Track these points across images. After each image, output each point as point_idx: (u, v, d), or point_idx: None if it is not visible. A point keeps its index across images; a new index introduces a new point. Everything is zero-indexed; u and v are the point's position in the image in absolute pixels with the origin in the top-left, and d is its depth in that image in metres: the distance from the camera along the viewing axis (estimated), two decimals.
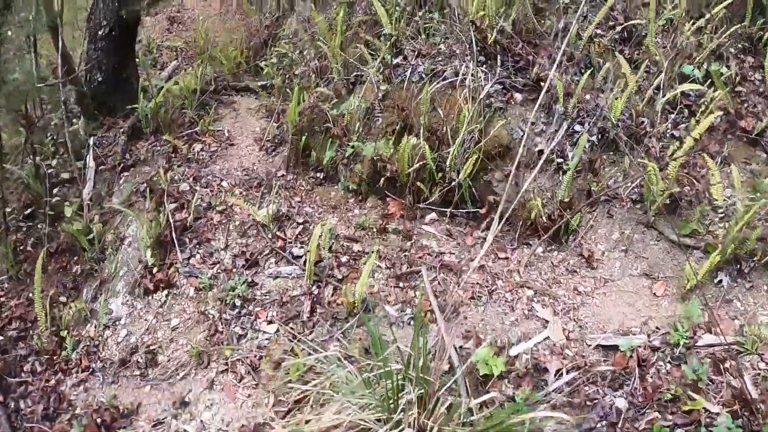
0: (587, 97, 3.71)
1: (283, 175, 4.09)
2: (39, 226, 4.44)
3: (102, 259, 4.11)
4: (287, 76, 4.66)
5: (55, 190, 4.61)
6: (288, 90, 4.54)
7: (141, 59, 6.01)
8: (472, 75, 3.69)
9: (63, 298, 4.18)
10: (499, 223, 3.74)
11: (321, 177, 4.06)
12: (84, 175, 4.62)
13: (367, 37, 4.36)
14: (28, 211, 4.49)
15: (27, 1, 4.31)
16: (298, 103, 4.12)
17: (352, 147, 3.85)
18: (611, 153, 3.66)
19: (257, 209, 3.73)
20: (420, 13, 4.15)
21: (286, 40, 4.96)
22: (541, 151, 3.55)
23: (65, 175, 4.70)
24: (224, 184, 4.06)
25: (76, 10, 5.36)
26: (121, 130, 4.74)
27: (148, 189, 3.97)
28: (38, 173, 4.56)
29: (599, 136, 3.63)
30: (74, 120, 5.08)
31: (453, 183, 3.63)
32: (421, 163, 3.61)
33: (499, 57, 3.80)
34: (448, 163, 3.60)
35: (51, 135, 4.92)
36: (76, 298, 4.14)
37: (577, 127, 3.62)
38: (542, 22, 4.10)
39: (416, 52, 4.03)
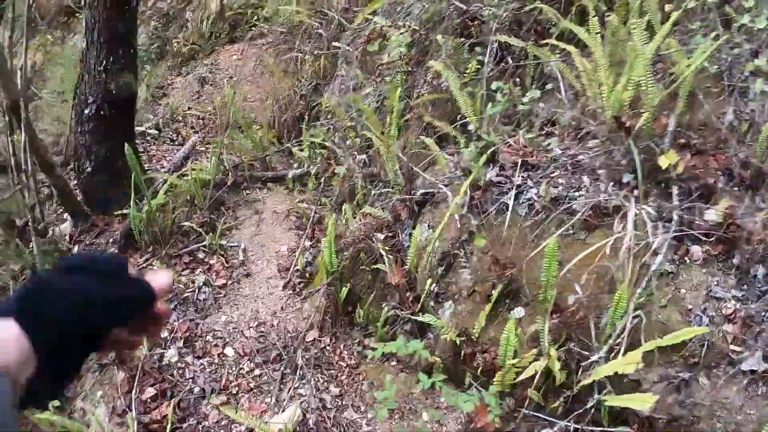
0: None
1: (314, 340, 2.50)
2: None
3: None
4: (324, 174, 3.08)
5: None
6: (324, 197, 2.96)
7: (162, 129, 4.58)
8: (634, 218, 2.00)
9: None
10: None
11: (371, 346, 2.43)
12: None
13: (435, 122, 2.74)
14: None
15: None
16: (336, 235, 2.52)
17: (419, 320, 2.22)
18: None
19: (271, 417, 2.15)
20: (525, 99, 2.47)
21: (323, 120, 3.37)
22: (734, 359, 1.83)
23: None
24: (228, 352, 2.51)
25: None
26: (112, 239, 3.28)
27: (118, 362, 2.46)
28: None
29: None
30: (65, 215, 3.68)
31: (590, 403, 1.95)
32: (540, 367, 1.94)
33: (674, 187, 2.08)
34: (582, 377, 1.91)
35: (31, 239, 3.51)
36: None
37: None
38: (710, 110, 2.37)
39: (519, 161, 2.36)
